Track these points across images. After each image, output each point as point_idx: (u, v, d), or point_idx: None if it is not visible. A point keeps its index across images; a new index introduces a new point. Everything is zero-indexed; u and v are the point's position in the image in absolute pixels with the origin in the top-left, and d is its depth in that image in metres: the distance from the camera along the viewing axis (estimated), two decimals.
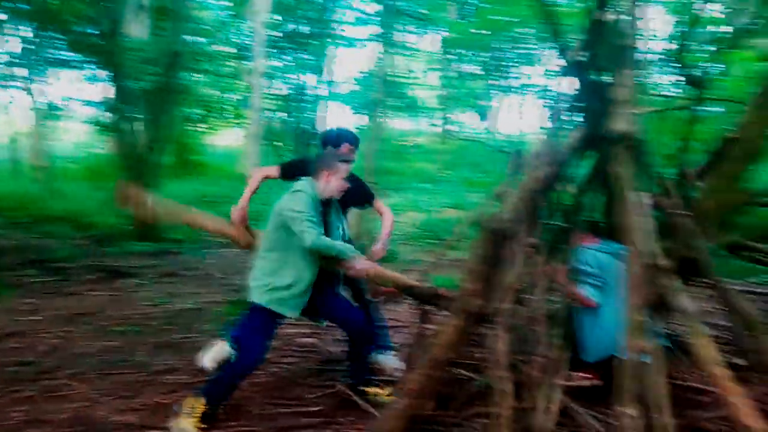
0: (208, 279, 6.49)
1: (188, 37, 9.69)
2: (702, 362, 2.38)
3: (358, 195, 3.58)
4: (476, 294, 2.70)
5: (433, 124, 23.33)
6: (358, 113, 17.68)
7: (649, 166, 2.95)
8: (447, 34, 19.64)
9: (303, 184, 3.00)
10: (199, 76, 13.17)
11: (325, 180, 3.01)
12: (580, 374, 3.24)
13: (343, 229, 3.36)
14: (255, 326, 3.02)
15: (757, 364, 3.09)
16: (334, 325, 3.54)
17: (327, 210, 3.12)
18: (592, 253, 3.21)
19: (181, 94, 9.79)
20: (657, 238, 3.29)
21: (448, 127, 22.75)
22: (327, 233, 3.02)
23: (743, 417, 2.15)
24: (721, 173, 3.49)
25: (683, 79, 2.97)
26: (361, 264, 2.97)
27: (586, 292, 3.14)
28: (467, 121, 24.92)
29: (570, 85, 3.27)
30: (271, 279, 2.93)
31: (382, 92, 9.53)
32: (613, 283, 3.03)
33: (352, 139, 3.60)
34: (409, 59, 21.30)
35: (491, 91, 22.78)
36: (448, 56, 21.12)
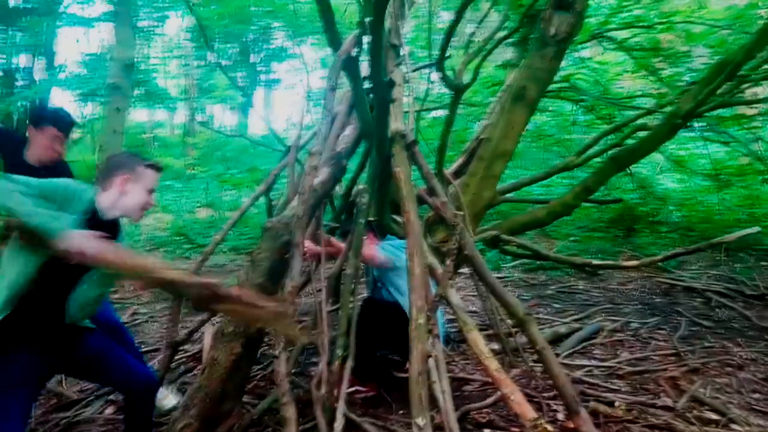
0: None
1: None
2: (476, 355, 2.43)
3: None
4: None
5: (181, 116, 21.69)
6: (87, 101, 15.38)
7: (422, 165, 2.97)
8: (193, 19, 18.33)
9: (75, 183, 1.98)
10: None
11: (120, 189, 2.00)
12: (356, 387, 3.16)
13: None
14: None
15: (513, 349, 3.39)
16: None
17: (110, 237, 1.92)
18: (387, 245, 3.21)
19: None
20: (429, 234, 3.40)
21: (198, 118, 21.38)
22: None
23: (516, 407, 2.23)
24: (474, 171, 3.77)
25: (442, 83, 3.07)
26: (77, 241, 1.70)
27: (375, 251, 3.07)
28: (219, 114, 23.83)
29: (337, 81, 3.14)
30: None
31: (118, 78, 8.34)
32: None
33: (61, 122, 2.77)
34: (150, 43, 19.36)
35: (246, 83, 22.05)
36: (195, 44, 19.76)
